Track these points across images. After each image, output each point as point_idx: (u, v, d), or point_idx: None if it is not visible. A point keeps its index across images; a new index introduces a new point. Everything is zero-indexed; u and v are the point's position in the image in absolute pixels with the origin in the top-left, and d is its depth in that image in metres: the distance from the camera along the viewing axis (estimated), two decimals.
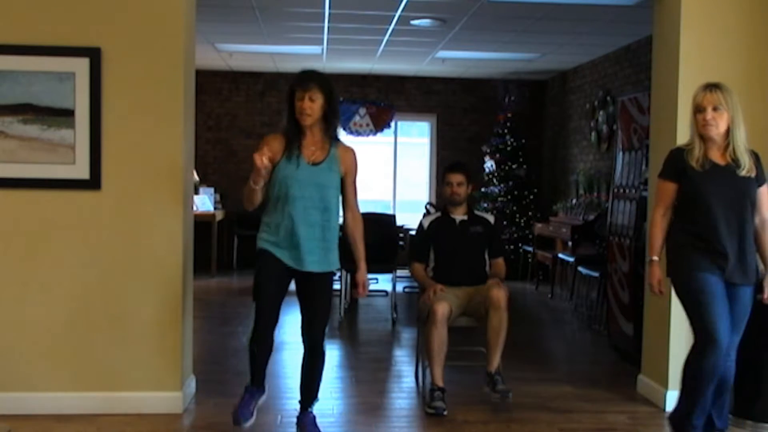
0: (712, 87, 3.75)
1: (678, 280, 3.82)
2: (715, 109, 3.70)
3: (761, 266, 3.84)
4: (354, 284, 4.10)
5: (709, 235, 3.69)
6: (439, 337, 4.65)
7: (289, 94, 3.89)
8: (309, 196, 3.84)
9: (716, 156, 3.76)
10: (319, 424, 4.09)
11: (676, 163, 3.81)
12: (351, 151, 4.02)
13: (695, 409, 3.76)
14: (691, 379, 3.77)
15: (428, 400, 4.62)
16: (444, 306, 4.69)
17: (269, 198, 3.92)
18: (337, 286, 8.14)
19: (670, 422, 3.96)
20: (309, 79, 3.84)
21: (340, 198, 4.00)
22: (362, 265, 4.05)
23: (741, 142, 3.75)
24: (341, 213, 4.06)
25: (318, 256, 3.88)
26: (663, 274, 3.87)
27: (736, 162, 3.73)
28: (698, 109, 3.74)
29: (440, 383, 4.64)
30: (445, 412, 4.52)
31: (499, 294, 4.68)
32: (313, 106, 3.83)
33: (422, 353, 5.16)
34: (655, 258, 3.87)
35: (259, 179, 3.79)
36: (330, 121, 3.92)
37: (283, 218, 3.86)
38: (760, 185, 3.78)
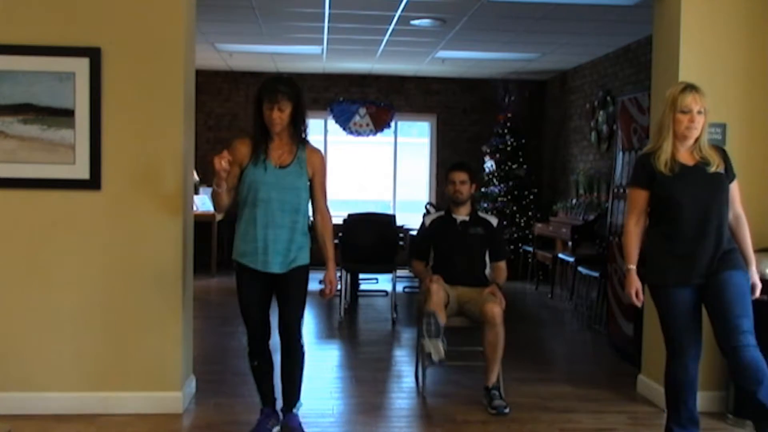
0: (694, 89, 3.72)
1: (651, 292, 3.87)
2: (699, 112, 3.68)
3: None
4: (322, 282, 4.07)
5: (682, 236, 3.68)
6: (437, 296, 4.65)
7: (257, 100, 3.90)
8: (277, 199, 3.87)
9: (684, 157, 3.74)
10: (304, 426, 4.10)
11: (645, 170, 3.78)
12: (318, 153, 4.04)
13: (671, 418, 3.86)
14: (665, 388, 3.89)
15: (428, 334, 4.53)
16: (441, 290, 4.72)
17: (239, 203, 3.97)
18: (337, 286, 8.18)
19: None
20: (277, 90, 3.84)
21: (309, 199, 4.01)
22: (331, 264, 4.06)
23: (706, 140, 3.75)
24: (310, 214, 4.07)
25: (282, 257, 3.90)
26: (640, 282, 3.86)
27: (704, 160, 3.71)
28: (683, 110, 3.69)
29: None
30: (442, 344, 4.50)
31: (494, 310, 4.65)
32: (282, 116, 3.86)
33: (422, 354, 5.15)
34: (632, 266, 3.84)
35: (221, 182, 3.87)
36: (298, 126, 3.94)
37: (252, 221, 3.89)
38: (730, 181, 3.77)
